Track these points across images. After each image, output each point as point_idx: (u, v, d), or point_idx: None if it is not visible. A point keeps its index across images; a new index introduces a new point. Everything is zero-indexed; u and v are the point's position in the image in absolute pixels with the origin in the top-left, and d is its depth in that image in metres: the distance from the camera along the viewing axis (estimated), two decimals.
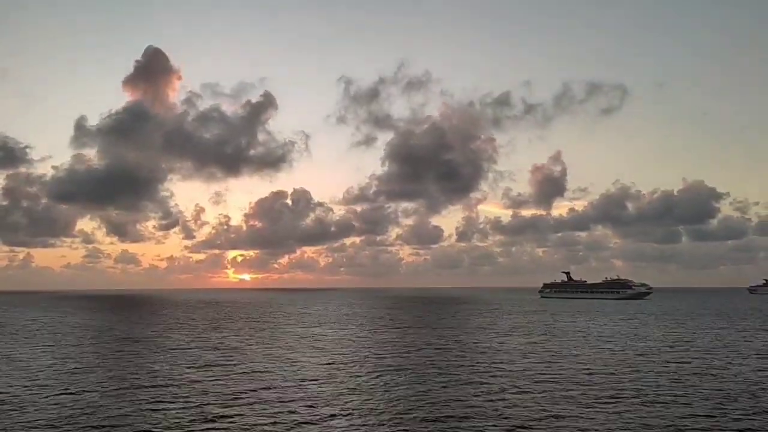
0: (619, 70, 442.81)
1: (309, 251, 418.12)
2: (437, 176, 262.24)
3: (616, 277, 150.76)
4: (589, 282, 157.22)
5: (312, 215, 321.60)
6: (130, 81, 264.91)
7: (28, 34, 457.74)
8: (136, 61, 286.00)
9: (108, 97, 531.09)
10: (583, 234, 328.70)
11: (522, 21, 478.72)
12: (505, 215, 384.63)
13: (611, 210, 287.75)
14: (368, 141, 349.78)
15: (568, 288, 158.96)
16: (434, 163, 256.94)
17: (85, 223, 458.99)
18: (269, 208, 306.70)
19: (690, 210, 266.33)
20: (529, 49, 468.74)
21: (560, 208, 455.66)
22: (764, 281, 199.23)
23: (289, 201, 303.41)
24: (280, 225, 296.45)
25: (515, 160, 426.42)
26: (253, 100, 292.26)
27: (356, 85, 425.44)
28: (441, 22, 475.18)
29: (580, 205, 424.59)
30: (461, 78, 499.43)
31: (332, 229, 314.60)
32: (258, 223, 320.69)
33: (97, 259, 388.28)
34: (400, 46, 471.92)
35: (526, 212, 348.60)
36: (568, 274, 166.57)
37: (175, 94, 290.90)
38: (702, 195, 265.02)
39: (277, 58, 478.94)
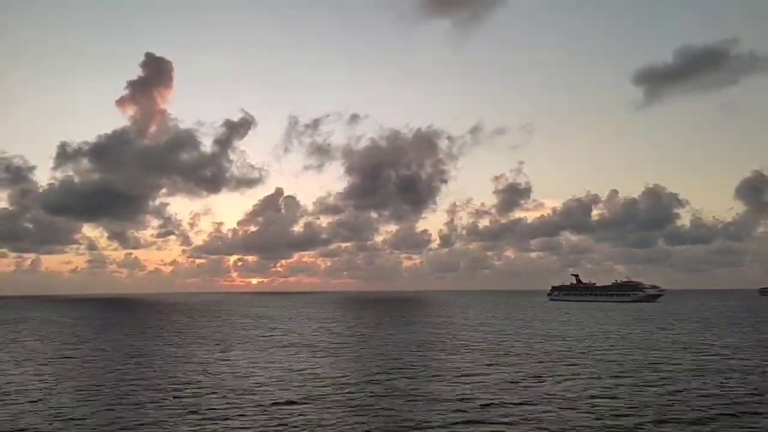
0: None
1: (305, 256, 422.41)
2: (400, 189, 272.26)
3: (625, 279, 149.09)
4: (598, 284, 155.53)
5: (301, 221, 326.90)
6: (125, 100, 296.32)
7: (20, 39, 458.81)
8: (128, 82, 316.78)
9: (104, 110, 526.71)
10: (561, 239, 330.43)
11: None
12: (482, 221, 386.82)
13: (577, 216, 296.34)
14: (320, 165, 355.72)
15: (578, 291, 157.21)
16: (393, 177, 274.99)
17: (88, 231, 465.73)
18: (261, 215, 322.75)
19: (655, 215, 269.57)
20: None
21: (527, 214, 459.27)
22: None
23: (282, 207, 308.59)
24: (273, 231, 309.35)
25: (476, 172, 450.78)
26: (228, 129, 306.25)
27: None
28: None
29: (540, 213, 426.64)
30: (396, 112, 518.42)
31: (323, 235, 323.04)
32: (251, 229, 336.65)
33: (102, 264, 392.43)
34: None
35: (494, 220, 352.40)
36: (577, 276, 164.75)
37: (164, 118, 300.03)
38: (664, 200, 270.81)
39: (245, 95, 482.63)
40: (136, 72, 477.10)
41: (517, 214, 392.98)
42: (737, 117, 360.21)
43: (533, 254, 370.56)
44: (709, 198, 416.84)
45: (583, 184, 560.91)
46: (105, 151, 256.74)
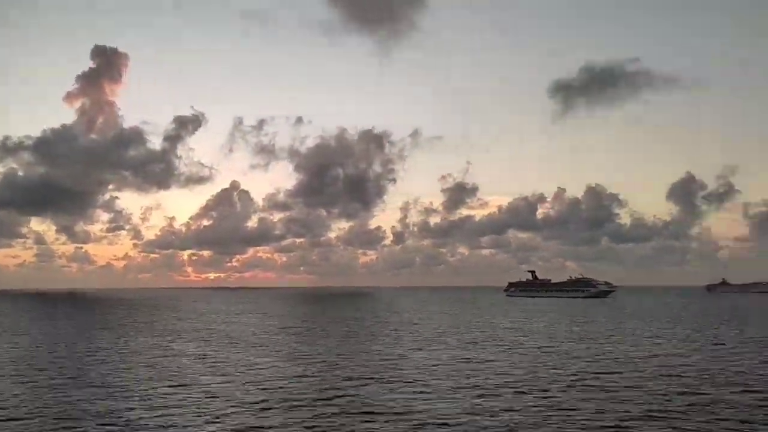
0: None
1: (260, 251, 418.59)
2: (349, 187, 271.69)
3: (579, 276, 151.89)
4: (554, 281, 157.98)
5: (254, 217, 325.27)
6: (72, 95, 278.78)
7: None
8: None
9: (51, 103, 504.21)
10: (510, 237, 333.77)
11: None
12: (432, 219, 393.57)
13: (524, 215, 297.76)
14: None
15: (534, 287, 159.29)
16: (342, 175, 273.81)
17: (35, 225, 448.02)
18: (213, 210, 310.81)
19: (598, 214, 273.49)
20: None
21: (476, 212, 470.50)
22: (722, 280, 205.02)
23: (234, 203, 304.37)
24: (226, 226, 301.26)
25: (423, 172, 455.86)
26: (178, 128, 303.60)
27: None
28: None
29: (486, 212, 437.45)
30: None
31: (275, 231, 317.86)
32: (204, 224, 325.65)
33: (50, 258, 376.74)
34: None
35: (443, 217, 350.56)
36: (533, 272, 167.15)
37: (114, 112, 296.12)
38: (605, 200, 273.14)
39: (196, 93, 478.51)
40: (87, 64, 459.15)
41: (465, 212, 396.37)
42: (642, 128, 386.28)
43: (485, 251, 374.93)
44: (645, 199, 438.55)
45: (525, 185, 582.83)
46: (49, 145, 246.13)
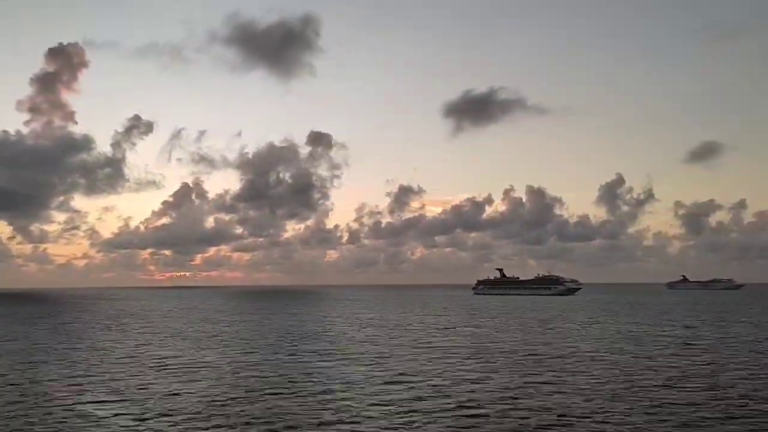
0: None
1: (222, 250, 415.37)
2: (296, 190, 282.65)
3: (546, 274, 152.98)
4: (521, 278, 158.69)
5: (209, 218, 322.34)
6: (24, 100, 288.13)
7: None
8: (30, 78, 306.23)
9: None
10: (466, 236, 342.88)
11: None
12: (384, 219, 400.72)
13: (472, 215, 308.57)
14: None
15: (502, 284, 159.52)
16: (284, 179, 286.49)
17: None
18: (169, 210, 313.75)
19: (538, 214, 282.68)
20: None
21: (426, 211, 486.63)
22: (682, 277, 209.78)
23: (188, 203, 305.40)
24: (182, 225, 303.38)
25: (368, 174, 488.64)
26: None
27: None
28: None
29: (438, 211, 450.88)
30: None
31: (233, 230, 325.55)
32: (160, 224, 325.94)
33: (7, 258, 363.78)
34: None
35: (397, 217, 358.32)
36: (501, 270, 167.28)
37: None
38: (545, 200, 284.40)
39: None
40: (38, 65, 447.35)
41: (415, 213, 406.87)
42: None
43: (447, 250, 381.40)
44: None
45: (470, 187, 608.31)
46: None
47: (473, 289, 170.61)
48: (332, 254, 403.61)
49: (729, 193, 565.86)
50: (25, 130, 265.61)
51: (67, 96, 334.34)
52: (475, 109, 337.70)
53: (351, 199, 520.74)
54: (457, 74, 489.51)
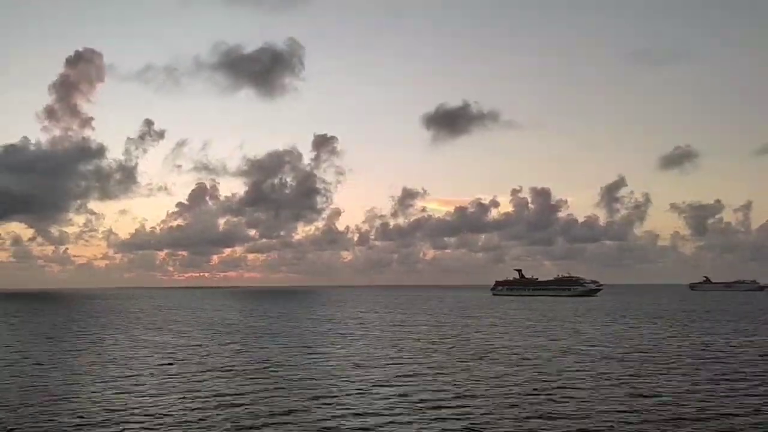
0: None
1: (237, 251, 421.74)
2: (302, 193, 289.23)
3: (567, 274, 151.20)
4: (540, 279, 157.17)
5: (221, 221, 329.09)
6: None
7: None
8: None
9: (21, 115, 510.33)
10: (477, 238, 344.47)
11: None
12: (392, 221, 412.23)
13: (477, 217, 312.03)
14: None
15: (521, 285, 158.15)
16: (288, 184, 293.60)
17: (7, 228, 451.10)
18: (183, 213, 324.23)
19: (548, 216, 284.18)
20: None
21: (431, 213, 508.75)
22: (704, 278, 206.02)
23: (203, 204, 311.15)
24: (197, 228, 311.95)
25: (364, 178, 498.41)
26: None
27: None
28: None
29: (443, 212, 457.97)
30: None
31: (249, 232, 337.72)
32: (175, 226, 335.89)
33: (30, 259, 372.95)
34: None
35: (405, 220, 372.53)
36: (519, 271, 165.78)
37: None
38: (549, 202, 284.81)
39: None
40: (57, 73, 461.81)
41: (420, 214, 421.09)
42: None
43: (457, 251, 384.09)
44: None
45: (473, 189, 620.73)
46: (12, 157, 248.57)
47: (492, 289, 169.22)
48: (345, 256, 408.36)
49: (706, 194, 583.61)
50: (43, 137, 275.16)
51: (84, 103, 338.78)
52: (448, 122, 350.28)
53: (352, 203, 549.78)
54: (433, 88, 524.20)
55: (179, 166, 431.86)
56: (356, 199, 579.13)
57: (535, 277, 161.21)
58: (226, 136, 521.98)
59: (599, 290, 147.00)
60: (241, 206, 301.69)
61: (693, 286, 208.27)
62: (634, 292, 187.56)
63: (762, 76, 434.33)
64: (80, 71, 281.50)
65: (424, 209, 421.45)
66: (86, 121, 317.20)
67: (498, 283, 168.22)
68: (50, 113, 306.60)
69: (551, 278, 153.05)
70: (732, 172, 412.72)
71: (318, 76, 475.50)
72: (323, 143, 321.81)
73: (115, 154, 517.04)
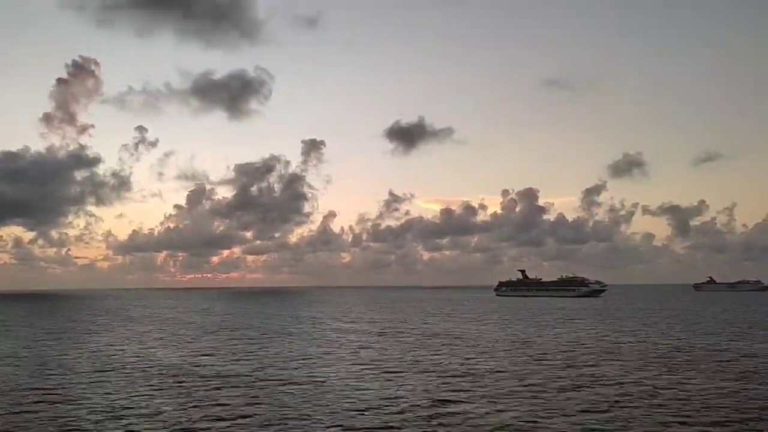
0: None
1: (235, 252, 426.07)
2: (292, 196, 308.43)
3: (571, 275, 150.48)
4: (544, 280, 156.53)
5: (214, 223, 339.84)
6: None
7: None
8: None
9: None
10: (470, 240, 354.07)
11: None
12: (384, 222, 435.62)
13: (464, 219, 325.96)
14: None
15: (525, 286, 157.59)
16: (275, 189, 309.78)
17: (10, 230, 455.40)
18: (180, 215, 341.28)
19: (534, 218, 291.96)
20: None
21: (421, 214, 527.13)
22: (708, 278, 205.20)
23: (198, 206, 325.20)
24: (192, 230, 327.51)
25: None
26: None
27: None
28: None
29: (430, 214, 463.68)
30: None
31: (242, 234, 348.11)
32: (171, 228, 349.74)
33: (31, 260, 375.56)
34: None
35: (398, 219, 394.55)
36: (523, 272, 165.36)
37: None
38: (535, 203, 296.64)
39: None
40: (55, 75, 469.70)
41: (408, 216, 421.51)
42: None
43: (453, 253, 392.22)
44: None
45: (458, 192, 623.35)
46: (9, 164, 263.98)
47: (495, 290, 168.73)
48: (342, 257, 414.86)
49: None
50: (42, 144, 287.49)
51: (81, 111, 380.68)
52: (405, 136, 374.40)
53: (338, 207, 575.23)
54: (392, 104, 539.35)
55: (167, 174, 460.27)
56: (343, 203, 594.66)
57: (538, 277, 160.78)
58: (210, 147, 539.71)
59: (603, 291, 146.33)
60: (231, 210, 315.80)
61: (697, 287, 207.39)
62: (636, 293, 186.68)
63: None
64: (79, 80, 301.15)
65: (408, 213, 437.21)
66: (83, 129, 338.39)
67: (501, 284, 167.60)
68: (48, 120, 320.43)
69: (555, 279, 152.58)
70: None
71: (285, 101, 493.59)
72: (311, 148, 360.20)
73: (110, 162, 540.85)
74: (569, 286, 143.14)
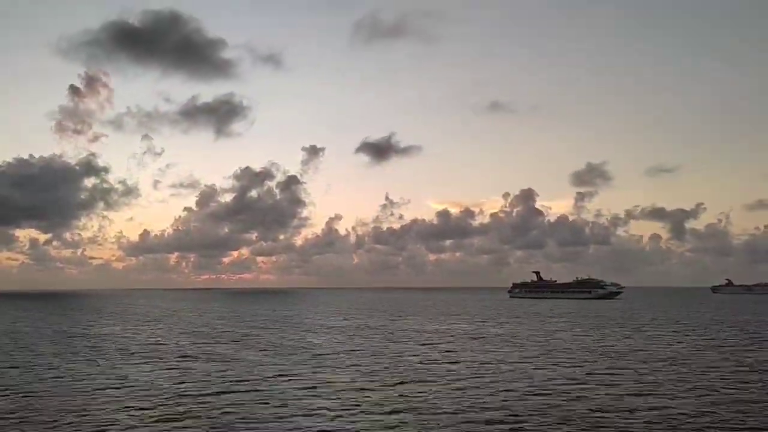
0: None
1: (244, 254, 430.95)
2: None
3: (586, 277, 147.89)
4: (559, 282, 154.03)
5: (219, 227, 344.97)
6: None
7: None
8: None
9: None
10: (471, 242, 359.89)
11: None
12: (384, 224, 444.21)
13: (463, 221, 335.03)
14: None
15: (539, 288, 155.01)
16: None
17: (25, 233, 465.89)
18: (185, 221, 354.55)
19: (534, 220, 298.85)
20: None
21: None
22: (726, 281, 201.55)
23: (203, 209, 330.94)
24: (199, 233, 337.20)
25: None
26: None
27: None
28: None
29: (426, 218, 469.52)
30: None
31: (247, 236, 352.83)
32: (179, 231, 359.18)
33: (48, 261, 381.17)
34: None
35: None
36: (537, 273, 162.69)
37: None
38: (537, 206, 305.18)
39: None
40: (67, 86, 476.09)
41: (407, 220, 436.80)
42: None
43: (457, 255, 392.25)
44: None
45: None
46: (21, 172, 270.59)
47: (509, 292, 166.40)
48: (352, 258, 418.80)
49: None
50: (52, 150, 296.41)
51: (92, 120, 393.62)
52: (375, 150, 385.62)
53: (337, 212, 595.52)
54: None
55: (168, 182, 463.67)
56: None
57: (553, 279, 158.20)
58: (208, 156, 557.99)
59: (620, 293, 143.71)
60: (233, 214, 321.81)
61: (715, 289, 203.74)
62: (652, 296, 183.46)
63: None
64: (90, 90, 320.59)
65: (401, 216, 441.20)
66: (95, 137, 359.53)
67: (515, 286, 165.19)
68: (61, 127, 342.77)
69: (570, 281, 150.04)
70: None
71: (269, 121, 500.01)
72: (310, 156, 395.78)
73: (119, 170, 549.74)
74: (585, 288, 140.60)
